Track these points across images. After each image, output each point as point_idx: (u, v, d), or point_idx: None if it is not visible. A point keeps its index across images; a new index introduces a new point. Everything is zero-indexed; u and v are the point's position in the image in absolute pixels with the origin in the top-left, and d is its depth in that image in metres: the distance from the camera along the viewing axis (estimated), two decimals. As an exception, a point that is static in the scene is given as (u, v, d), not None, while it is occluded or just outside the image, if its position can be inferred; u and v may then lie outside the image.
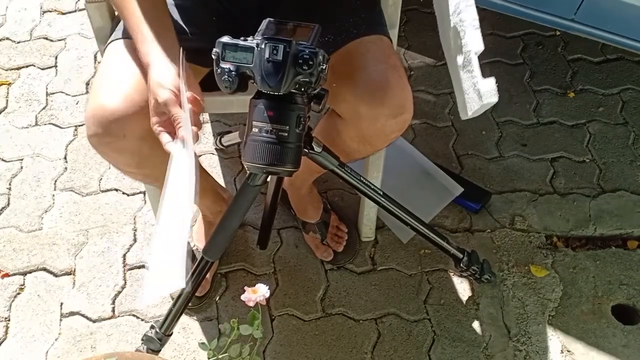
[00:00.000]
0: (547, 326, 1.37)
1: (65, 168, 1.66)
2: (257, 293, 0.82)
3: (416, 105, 1.08)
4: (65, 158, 1.68)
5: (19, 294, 1.44)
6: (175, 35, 0.94)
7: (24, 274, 1.47)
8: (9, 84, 1.85)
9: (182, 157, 0.86)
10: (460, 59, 0.95)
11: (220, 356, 0.85)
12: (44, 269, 1.47)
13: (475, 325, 1.38)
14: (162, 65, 0.89)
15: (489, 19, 1.96)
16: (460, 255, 1.31)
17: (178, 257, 0.79)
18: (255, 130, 0.85)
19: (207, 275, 1.32)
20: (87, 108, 0.98)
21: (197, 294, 1.32)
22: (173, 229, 0.83)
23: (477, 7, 0.93)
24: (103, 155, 1.03)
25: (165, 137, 0.88)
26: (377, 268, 1.47)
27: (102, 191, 1.61)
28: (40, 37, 1.97)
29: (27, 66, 1.89)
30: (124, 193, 1.61)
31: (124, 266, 1.48)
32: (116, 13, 1.13)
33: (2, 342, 1.37)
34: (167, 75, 0.88)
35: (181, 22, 1.05)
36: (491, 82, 0.95)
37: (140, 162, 1.04)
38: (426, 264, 1.48)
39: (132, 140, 0.96)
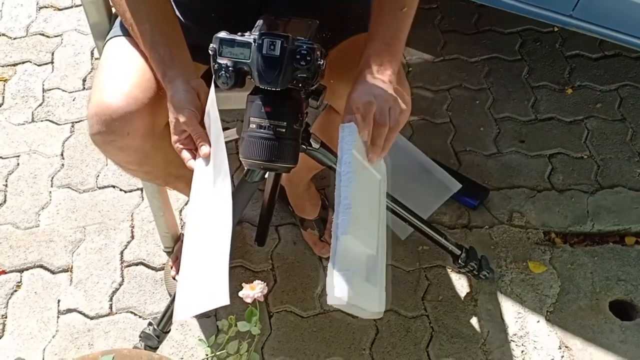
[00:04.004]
0: (545, 322, 1.37)
1: (62, 165, 1.65)
2: (255, 290, 0.82)
3: (414, 102, 1.07)
4: (62, 155, 1.67)
5: (15, 291, 1.43)
6: (188, 49, 0.94)
7: (21, 271, 1.46)
8: (5, 81, 1.84)
9: (204, 173, 0.87)
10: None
11: (218, 353, 0.85)
12: (41, 266, 1.47)
13: (474, 321, 1.38)
14: (181, 85, 0.89)
15: (487, 15, 1.95)
16: (459, 252, 1.31)
17: (221, 274, 0.77)
18: (252, 126, 0.84)
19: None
20: (89, 106, 0.97)
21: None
22: (210, 244, 0.82)
23: (475, 3, 0.90)
24: (105, 153, 1.03)
25: (186, 155, 0.89)
26: (375, 264, 1.47)
27: (99, 188, 1.61)
28: (36, 33, 1.96)
29: (23, 62, 1.88)
30: (121, 190, 1.60)
31: (122, 263, 1.47)
32: (113, 10, 1.13)
33: (0, 339, 1.37)
34: (186, 95, 0.89)
35: (180, 18, 1.04)
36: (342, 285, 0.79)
37: (142, 160, 1.03)
38: (424, 261, 1.48)
39: (135, 138, 0.96)
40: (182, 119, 0.88)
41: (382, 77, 0.88)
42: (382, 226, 0.91)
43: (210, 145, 0.87)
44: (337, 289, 0.76)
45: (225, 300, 0.75)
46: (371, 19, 0.95)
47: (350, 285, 0.76)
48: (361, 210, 0.83)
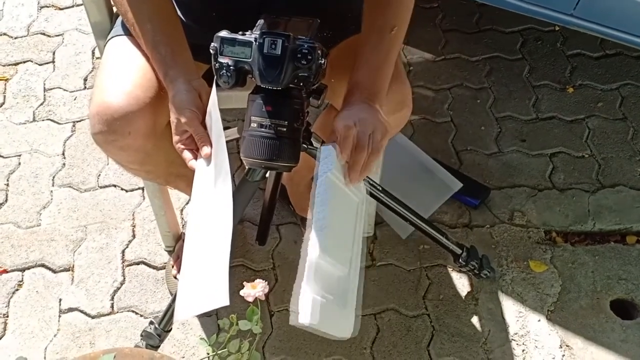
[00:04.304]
0: (546, 321, 1.37)
1: (64, 164, 1.66)
2: (256, 288, 0.82)
3: (415, 101, 1.08)
4: (63, 154, 1.67)
5: (17, 290, 1.44)
6: (189, 50, 0.94)
7: (23, 270, 1.47)
8: (7, 80, 1.85)
9: (205, 173, 0.87)
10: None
11: (219, 352, 0.85)
12: (43, 265, 1.47)
13: (474, 320, 1.38)
14: (182, 85, 0.90)
15: (488, 14, 1.95)
16: (459, 251, 1.31)
17: (221, 274, 0.78)
18: (253, 125, 0.84)
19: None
20: (90, 106, 0.98)
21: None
22: (210, 245, 0.82)
23: (476, 2, 0.89)
24: (107, 153, 1.03)
25: (187, 155, 0.89)
26: (376, 264, 1.47)
27: (101, 187, 1.61)
28: (37, 32, 1.96)
29: (24, 62, 1.89)
30: (122, 189, 1.60)
31: (123, 262, 1.48)
32: (114, 10, 1.13)
33: (1, 338, 1.37)
34: (188, 95, 0.89)
35: (181, 17, 1.04)
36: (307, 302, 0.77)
37: (144, 159, 1.04)
38: (425, 260, 1.48)
39: (136, 137, 0.96)
40: (183, 119, 0.88)
41: (369, 101, 0.88)
42: (357, 248, 0.91)
43: (211, 146, 0.87)
44: (303, 313, 0.74)
45: (225, 301, 0.76)
46: (361, 39, 0.94)
47: (317, 310, 0.75)
48: (336, 231, 0.83)
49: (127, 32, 1.03)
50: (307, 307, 0.75)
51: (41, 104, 1.78)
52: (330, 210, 0.81)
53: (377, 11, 0.93)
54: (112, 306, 1.41)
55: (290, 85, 0.83)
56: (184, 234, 1.47)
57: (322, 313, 0.77)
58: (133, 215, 1.56)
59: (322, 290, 0.78)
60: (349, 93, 0.90)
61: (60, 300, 1.42)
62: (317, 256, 0.78)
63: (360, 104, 0.87)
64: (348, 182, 0.87)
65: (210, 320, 1.37)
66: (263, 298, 0.82)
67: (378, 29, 0.92)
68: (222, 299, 0.76)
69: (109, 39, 1.07)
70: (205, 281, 0.80)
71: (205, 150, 0.87)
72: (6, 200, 1.59)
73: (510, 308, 1.39)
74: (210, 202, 0.85)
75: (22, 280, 1.45)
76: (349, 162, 0.86)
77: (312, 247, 0.78)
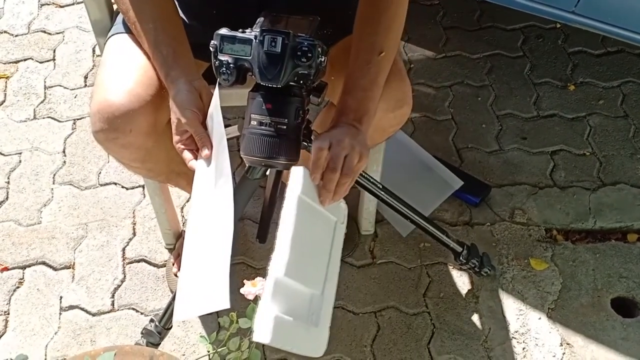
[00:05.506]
0: (547, 319, 1.37)
1: (64, 162, 1.66)
2: (257, 287, 0.82)
3: (416, 99, 1.08)
4: (63, 152, 1.68)
5: (18, 287, 1.44)
6: (191, 51, 0.94)
7: (23, 267, 1.47)
8: (7, 78, 1.85)
9: (205, 174, 0.86)
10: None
11: (219, 349, 0.85)
12: (43, 263, 1.47)
13: (475, 318, 1.38)
14: (184, 86, 0.89)
15: (489, 11, 1.95)
16: (460, 249, 1.31)
17: (222, 277, 0.78)
18: (253, 123, 0.84)
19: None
20: (91, 104, 0.98)
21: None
22: (211, 247, 0.82)
23: (477, 0, 0.89)
24: (108, 151, 1.03)
25: (187, 155, 0.89)
26: (376, 262, 1.47)
27: (101, 185, 1.61)
28: (38, 30, 1.96)
29: (25, 60, 1.89)
30: (123, 187, 1.60)
31: (123, 260, 1.48)
32: (115, 7, 1.13)
33: (2, 335, 1.37)
34: (188, 95, 0.89)
35: (181, 16, 1.04)
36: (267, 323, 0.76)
37: (144, 157, 1.04)
38: (426, 258, 1.48)
39: (137, 135, 0.96)
40: (184, 119, 0.88)
41: (355, 123, 0.88)
42: (333, 267, 0.91)
43: (211, 147, 0.87)
44: (261, 331, 0.74)
45: (226, 304, 0.76)
46: (349, 62, 0.93)
47: (278, 329, 0.75)
48: (305, 251, 0.83)
49: (127, 29, 1.03)
50: (264, 325, 0.74)
51: (42, 102, 1.78)
52: (299, 229, 0.81)
53: (367, 31, 0.93)
54: (112, 304, 1.41)
55: (291, 83, 0.83)
56: (185, 231, 1.47)
57: (285, 332, 0.77)
58: (133, 213, 1.56)
59: (287, 309, 0.78)
60: (336, 115, 0.90)
61: (61, 297, 1.42)
62: (279, 275, 0.78)
63: (344, 126, 0.88)
64: (321, 203, 0.87)
65: (211, 318, 1.37)
66: (263, 296, 0.82)
67: (366, 52, 0.92)
68: (222, 302, 0.76)
69: (109, 37, 1.07)
70: (206, 283, 0.80)
71: (205, 151, 0.87)
72: (7, 198, 1.59)
73: (511, 306, 1.39)
74: (210, 203, 0.85)
75: (22, 278, 1.45)
76: (322, 183, 0.86)
77: (275, 266, 0.78)
